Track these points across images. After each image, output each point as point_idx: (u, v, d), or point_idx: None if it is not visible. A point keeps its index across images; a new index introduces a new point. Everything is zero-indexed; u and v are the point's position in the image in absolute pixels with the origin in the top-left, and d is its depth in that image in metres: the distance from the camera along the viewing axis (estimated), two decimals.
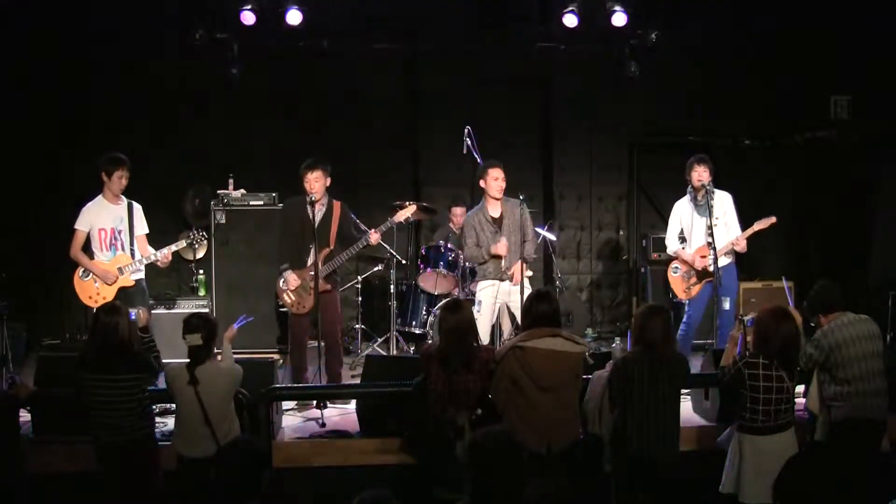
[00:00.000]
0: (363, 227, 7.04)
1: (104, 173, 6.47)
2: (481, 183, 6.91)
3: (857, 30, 8.93)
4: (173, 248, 6.74)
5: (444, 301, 4.84)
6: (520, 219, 6.85)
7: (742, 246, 6.95)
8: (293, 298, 6.61)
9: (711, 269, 6.79)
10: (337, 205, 6.71)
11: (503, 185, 6.82)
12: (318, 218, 6.54)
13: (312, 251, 6.46)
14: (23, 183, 8.76)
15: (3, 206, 8.64)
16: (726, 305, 6.87)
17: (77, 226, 6.47)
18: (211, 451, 4.52)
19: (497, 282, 6.84)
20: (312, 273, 6.40)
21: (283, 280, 6.62)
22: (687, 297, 7.11)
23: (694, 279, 7.04)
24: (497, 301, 6.89)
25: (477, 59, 9.40)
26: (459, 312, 4.92)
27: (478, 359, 4.88)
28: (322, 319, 6.52)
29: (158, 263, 6.72)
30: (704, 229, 6.91)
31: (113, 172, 6.46)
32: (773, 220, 6.95)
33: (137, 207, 6.66)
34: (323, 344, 6.66)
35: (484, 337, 6.56)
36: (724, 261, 6.91)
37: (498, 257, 6.81)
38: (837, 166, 9.51)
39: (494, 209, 6.92)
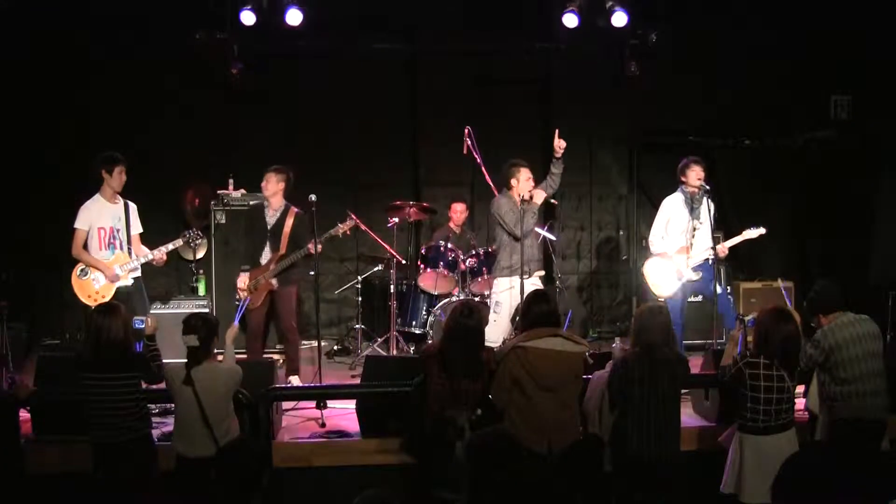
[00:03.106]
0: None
1: (104, 171, 6.52)
2: (512, 181, 6.83)
3: (858, 30, 8.92)
4: (170, 246, 6.77)
5: (456, 304, 4.83)
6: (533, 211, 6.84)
7: (724, 253, 6.96)
8: (243, 296, 6.95)
9: (692, 267, 6.88)
10: (293, 212, 6.99)
11: (533, 185, 6.78)
12: (271, 222, 7.02)
13: (265, 252, 6.99)
14: (23, 183, 8.76)
15: (2, 207, 8.64)
16: (719, 290, 6.88)
17: (77, 225, 6.48)
18: (209, 452, 4.52)
19: (516, 280, 6.75)
20: (263, 272, 6.92)
21: (240, 279, 7.05)
22: (664, 295, 7.05)
23: (674, 278, 7.02)
24: (516, 302, 6.85)
25: (477, 59, 9.41)
26: (471, 318, 4.89)
27: (479, 362, 4.88)
28: (277, 315, 6.98)
29: (154, 262, 6.75)
30: (690, 230, 6.93)
31: (114, 169, 6.52)
32: (763, 231, 6.94)
33: (133, 207, 6.72)
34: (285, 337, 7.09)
35: (500, 338, 6.54)
36: (701, 257, 6.92)
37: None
38: (837, 166, 9.51)
39: (533, 206, 6.89)
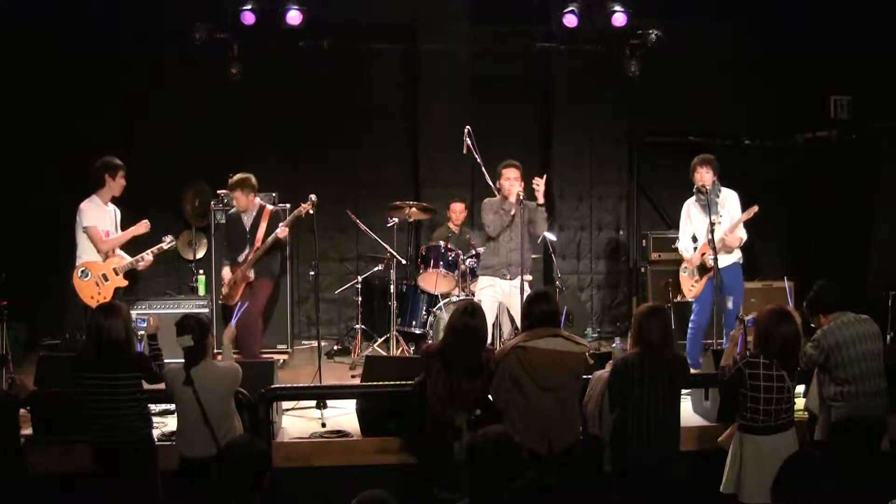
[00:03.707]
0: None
1: (108, 175, 6.64)
2: (497, 184, 6.89)
3: (857, 30, 8.92)
4: (154, 251, 6.86)
5: (459, 303, 4.84)
6: (528, 217, 6.84)
7: (730, 241, 6.93)
8: (224, 291, 7.25)
9: (710, 265, 6.84)
10: (266, 213, 7.19)
11: (516, 185, 6.75)
12: (248, 224, 7.21)
13: (244, 252, 7.16)
14: (23, 183, 8.76)
15: (2, 206, 8.64)
16: (729, 304, 6.88)
17: (87, 223, 6.56)
18: (211, 451, 4.52)
19: (497, 280, 6.80)
20: (241, 269, 7.13)
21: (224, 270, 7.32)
22: (692, 296, 7.14)
23: (697, 277, 7.08)
24: (496, 301, 6.87)
25: (477, 59, 9.41)
26: (475, 318, 4.89)
27: (480, 362, 4.88)
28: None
29: (139, 267, 6.86)
30: (707, 227, 6.93)
31: (117, 173, 6.64)
32: (756, 209, 6.94)
33: (118, 212, 6.87)
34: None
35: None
36: (727, 260, 6.90)
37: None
38: (837, 166, 9.51)
39: (510, 206, 6.90)
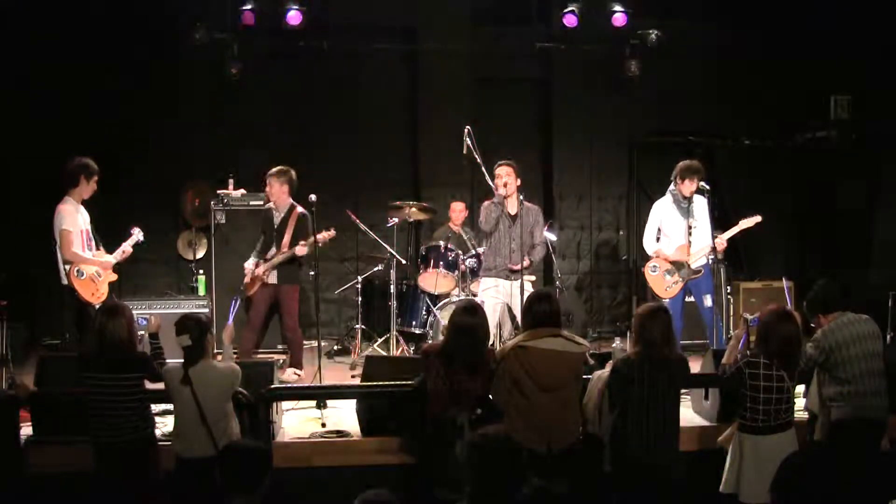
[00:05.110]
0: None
1: (83, 176, 6.56)
2: (494, 184, 6.91)
3: (857, 30, 8.93)
4: (131, 241, 6.83)
5: (459, 302, 4.87)
6: (532, 223, 6.86)
7: (721, 247, 6.95)
8: (246, 280, 7.24)
9: (693, 266, 6.88)
10: (295, 213, 7.12)
11: (507, 182, 6.76)
12: (277, 222, 7.18)
13: (272, 251, 7.14)
14: (23, 183, 8.75)
15: (2, 206, 8.64)
16: (708, 303, 6.90)
17: (66, 226, 6.47)
18: (208, 452, 4.52)
19: (501, 281, 6.81)
20: (262, 267, 7.14)
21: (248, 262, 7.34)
22: (668, 296, 7.06)
23: (677, 277, 7.01)
24: (499, 302, 6.87)
25: (477, 58, 9.41)
26: (476, 316, 4.90)
27: (483, 359, 4.88)
28: (280, 314, 7.14)
29: (120, 258, 6.83)
30: (685, 230, 6.93)
31: (92, 177, 6.59)
32: (759, 218, 6.96)
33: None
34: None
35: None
36: (702, 261, 6.92)
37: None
38: (837, 166, 9.52)
39: (510, 206, 6.91)
